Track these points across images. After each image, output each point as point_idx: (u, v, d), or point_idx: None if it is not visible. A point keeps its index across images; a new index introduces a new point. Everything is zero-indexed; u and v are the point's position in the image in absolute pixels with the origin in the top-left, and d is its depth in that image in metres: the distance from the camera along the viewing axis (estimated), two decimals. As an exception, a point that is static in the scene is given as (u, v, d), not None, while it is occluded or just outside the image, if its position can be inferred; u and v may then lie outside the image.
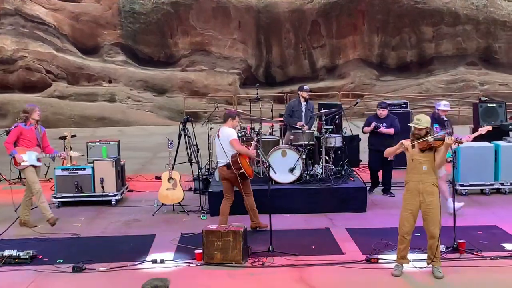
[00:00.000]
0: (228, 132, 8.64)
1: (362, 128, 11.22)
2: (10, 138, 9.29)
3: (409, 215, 7.11)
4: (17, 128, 9.32)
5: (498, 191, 11.14)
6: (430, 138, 7.01)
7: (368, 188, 10.70)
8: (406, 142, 7.12)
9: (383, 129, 10.80)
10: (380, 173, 11.29)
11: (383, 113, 10.94)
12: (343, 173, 10.77)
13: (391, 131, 10.78)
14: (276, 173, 9.63)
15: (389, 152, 7.46)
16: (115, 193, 10.94)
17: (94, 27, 25.87)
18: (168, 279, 4.76)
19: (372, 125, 10.89)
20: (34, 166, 9.35)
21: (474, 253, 7.70)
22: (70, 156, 11.99)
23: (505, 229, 8.85)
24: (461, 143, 7.54)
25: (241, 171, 8.49)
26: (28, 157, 9.25)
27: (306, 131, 10.58)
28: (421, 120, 7.06)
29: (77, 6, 25.93)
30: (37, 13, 25.44)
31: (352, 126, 12.49)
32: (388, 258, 7.49)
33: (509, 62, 26.03)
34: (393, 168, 11.20)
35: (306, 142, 10.46)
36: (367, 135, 11.18)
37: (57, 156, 9.66)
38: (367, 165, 11.55)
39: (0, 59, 24.97)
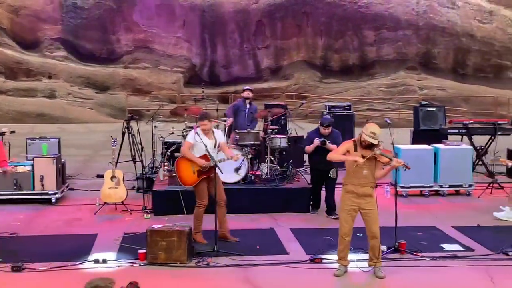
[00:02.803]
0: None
1: (304, 147, 9.99)
2: None
3: (347, 216, 7.21)
4: None
5: (437, 193, 11.43)
6: (377, 151, 7.04)
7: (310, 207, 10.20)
8: (360, 160, 6.98)
9: (329, 145, 9.50)
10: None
11: (326, 131, 9.71)
12: (287, 173, 10.82)
13: (334, 147, 9.01)
14: (222, 173, 9.62)
15: (335, 158, 7.43)
16: (56, 191, 10.70)
17: (34, 21, 25.20)
18: (113, 279, 4.69)
19: (316, 141, 9.62)
20: None
21: (415, 253, 7.89)
22: (9, 153, 11.70)
23: (444, 230, 9.09)
24: (409, 168, 7.38)
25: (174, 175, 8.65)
26: None
27: (252, 131, 10.60)
28: (376, 134, 6.99)
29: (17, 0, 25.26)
30: (-26, 5, 24.64)
31: (297, 127, 12.59)
32: (332, 258, 7.57)
33: (447, 67, 26.68)
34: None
35: (251, 142, 10.48)
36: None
37: None
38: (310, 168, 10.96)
39: None
